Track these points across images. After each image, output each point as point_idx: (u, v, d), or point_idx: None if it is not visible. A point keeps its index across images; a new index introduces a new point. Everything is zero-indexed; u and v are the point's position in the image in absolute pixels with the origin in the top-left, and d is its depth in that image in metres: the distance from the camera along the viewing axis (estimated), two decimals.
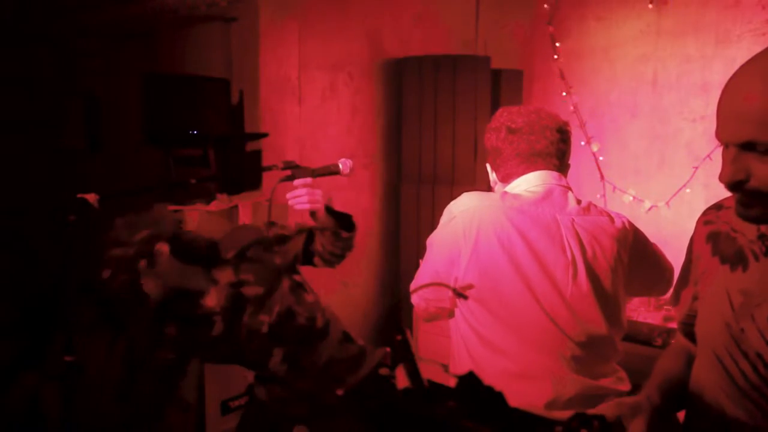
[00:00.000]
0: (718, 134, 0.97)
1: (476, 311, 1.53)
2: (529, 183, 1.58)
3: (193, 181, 1.74)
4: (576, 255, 1.50)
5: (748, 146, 0.93)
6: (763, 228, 1.04)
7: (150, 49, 3.33)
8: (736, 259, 1.06)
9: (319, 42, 3.17)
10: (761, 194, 0.94)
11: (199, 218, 2.60)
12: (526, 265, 1.48)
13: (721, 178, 0.96)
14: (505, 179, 1.64)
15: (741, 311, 1.02)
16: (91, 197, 1.46)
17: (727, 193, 1.03)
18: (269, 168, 1.78)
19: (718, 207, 1.18)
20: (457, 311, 1.59)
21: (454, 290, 1.50)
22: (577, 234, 1.51)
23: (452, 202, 1.63)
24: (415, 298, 1.64)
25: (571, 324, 1.49)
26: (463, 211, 1.56)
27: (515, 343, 1.50)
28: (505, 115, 1.63)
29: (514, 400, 0.79)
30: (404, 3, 3.57)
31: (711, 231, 1.14)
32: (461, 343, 1.59)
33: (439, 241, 1.61)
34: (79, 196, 1.46)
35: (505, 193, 1.58)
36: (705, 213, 1.20)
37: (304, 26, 3.08)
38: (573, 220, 1.53)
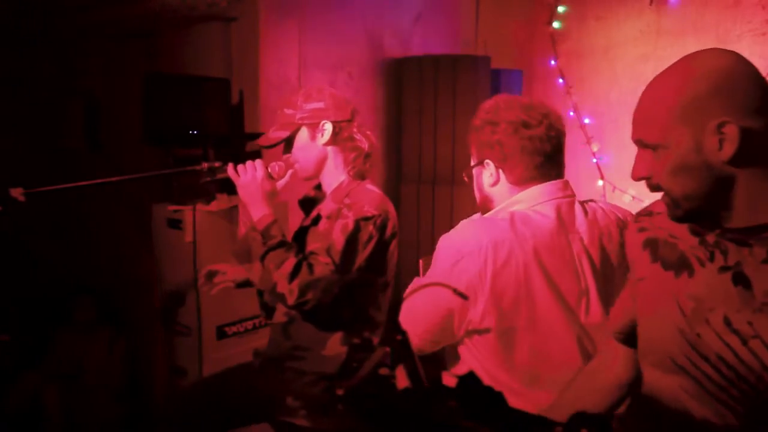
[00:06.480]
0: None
1: (485, 350, 1.45)
2: (535, 199, 1.47)
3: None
4: (589, 284, 1.45)
5: (641, 144, 1.06)
6: (703, 233, 1.06)
7: (150, 49, 3.33)
8: (680, 265, 1.08)
9: (319, 42, 3.16)
10: (662, 189, 1.04)
11: (199, 218, 2.60)
12: (546, 306, 1.41)
13: (631, 175, 1.07)
14: (518, 182, 1.50)
15: (694, 317, 1.04)
16: (17, 191, 1.50)
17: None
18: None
19: (649, 213, 1.20)
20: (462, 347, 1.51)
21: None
22: (589, 256, 1.46)
23: (454, 237, 1.46)
24: (414, 337, 1.48)
25: (587, 355, 1.45)
26: (474, 251, 1.40)
27: (527, 386, 1.43)
28: (516, 108, 1.47)
29: None
30: (404, 3, 3.57)
31: (647, 238, 1.16)
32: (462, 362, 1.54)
33: (447, 281, 1.41)
34: (10, 189, 1.52)
35: (513, 217, 1.44)
36: (637, 220, 1.22)
37: (304, 26, 3.08)
38: (582, 239, 1.46)
